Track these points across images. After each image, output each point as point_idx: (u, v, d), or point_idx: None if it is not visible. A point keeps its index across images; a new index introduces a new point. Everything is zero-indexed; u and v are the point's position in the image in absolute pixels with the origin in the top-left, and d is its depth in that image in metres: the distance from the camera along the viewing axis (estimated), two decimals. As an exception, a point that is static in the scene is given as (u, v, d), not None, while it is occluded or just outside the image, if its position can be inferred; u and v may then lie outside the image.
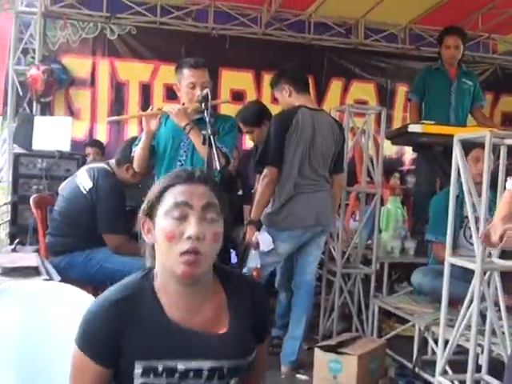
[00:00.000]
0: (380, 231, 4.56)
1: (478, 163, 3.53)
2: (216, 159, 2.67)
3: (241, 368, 1.44)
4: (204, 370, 1.38)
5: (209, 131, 2.74)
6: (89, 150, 5.39)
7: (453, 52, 5.07)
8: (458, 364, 2.95)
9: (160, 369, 1.35)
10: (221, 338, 1.41)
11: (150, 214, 1.43)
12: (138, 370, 1.34)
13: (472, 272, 2.68)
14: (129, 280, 1.45)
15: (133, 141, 3.52)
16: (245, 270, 3.69)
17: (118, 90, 6.24)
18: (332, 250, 4.47)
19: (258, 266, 3.59)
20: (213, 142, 2.71)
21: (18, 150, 5.28)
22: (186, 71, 3.27)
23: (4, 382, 1.95)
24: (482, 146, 3.39)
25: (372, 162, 4.43)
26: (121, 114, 6.12)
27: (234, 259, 5.39)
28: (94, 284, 3.32)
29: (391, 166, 6.46)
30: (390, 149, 6.49)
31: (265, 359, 1.60)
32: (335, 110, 4.58)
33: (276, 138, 3.60)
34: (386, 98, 6.85)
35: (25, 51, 5.94)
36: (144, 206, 1.45)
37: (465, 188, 2.68)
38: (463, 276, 3.05)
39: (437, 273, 3.65)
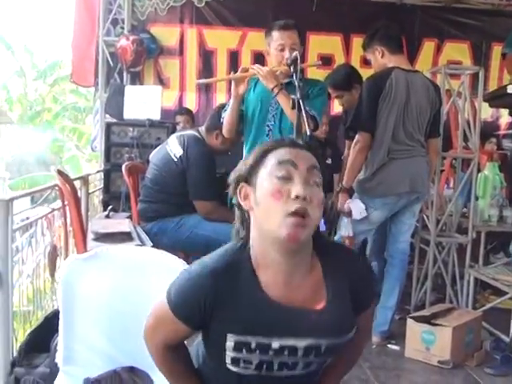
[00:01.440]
0: (476, 198, 4.36)
1: None
2: (305, 123, 2.59)
3: (339, 346, 1.38)
4: (300, 349, 1.33)
5: (298, 95, 2.65)
6: (179, 118, 5.43)
7: None
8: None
9: (253, 345, 1.30)
10: (319, 314, 1.35)
11: (249, 178, 1.37)
12: (229, 343, 1.31)
13: None
14: (226, 250, 1.40)
15: (222, 108, 3.50)
16: (336, 238, 3.64)
17: (207, 59, 6.24)
18: (425, 218, 4.32)
19: (351, 234, 3.52)
20: (302, 106, 2.63)
21: (110, 119, 5.41)
22: (275, 33, 3.18)
23: (99, 335, 2.07)
24: None
25: (469, 125, 4.22)
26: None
27: (322, 227, 5.35)
28: (185, 250, 3.36)
29: (487, 130, 6.13)
30: (485, 112, 6.14)
31: (369, 325, 1.56)
32: (429, 72, 4.37)
33: (368, 102, 3.47)
34: (480, 58, 6.49)
35: (114, 22, 6.02)
36: (241, 170, 1.39)
37: None
38: None
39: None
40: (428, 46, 6.45)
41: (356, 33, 5.94)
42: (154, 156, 3.76)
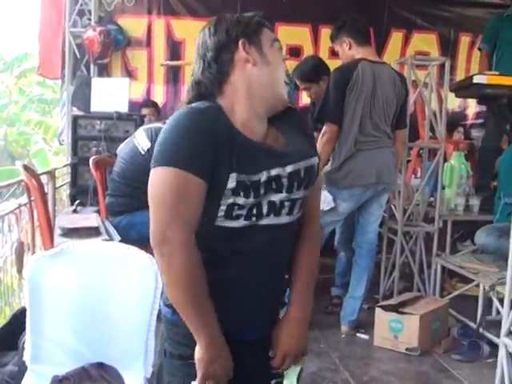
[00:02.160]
0: (443, 188, 4.42)
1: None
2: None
3: (313, 169, 1.47)
4: (284, 177, 1.39)
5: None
6: (144, 110, 5.39)
7: None
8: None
9: (248, 183, 1.34)
10: (288, 147, 1.46)
11: (251, 36, 1.45)
12: (231, 185, 1.32)
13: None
14: (194, 105, 1.42)
15: None
16: None
17: (175, 50, 6.18)
18: (393, 208, 4.38)
19: (318, 225, 3.54)
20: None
21: (77, 112, 5.33)
22: None
23: (66, 332, 2.07)
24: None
25: (435, 115, 4.27)
26: (178, 73, 6.12)
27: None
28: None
29: (454, 120, 6.22)
30: (452, 102, 6.23)
31: (320, 180, 1.60)
32: (396, 63, 4.42)
33: (335, 93, 3.50)
34: (448, 49, 6.55)
35: (80, 13, 5.91)
36: (241, 29, 1.45)
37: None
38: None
39: (502, 232, 3.53)
40: (396, 37, 6.48)
41: (324, 24, 5.93)
42: (122, 149, 3.73)
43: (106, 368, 2.05)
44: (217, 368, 1.36)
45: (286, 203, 1.42)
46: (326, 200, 3.51)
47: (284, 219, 1.43)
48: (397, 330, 3.44)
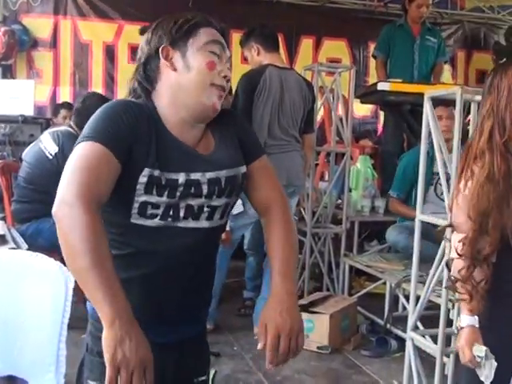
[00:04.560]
0: (350, 190, 4.57)
1: (440, 121, 3.53)
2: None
3: (236, 180, 1.46)
4: (203, 183, 1.39)
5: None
6: (64, 112, 5.22)
7: (424, 11, 5.05)
8: (427, 319, 2.99)
9: (163, 181, 1.35)
10: (213, 154, 1.45)
11: (175, 42, 1.42)
12: (143, 179, 1.33)
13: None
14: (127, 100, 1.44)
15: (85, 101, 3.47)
16: None
17: (81, 52, 6.07)
18: (302, 211, 4.47)
19: (228, 228, 3.57)
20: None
21: (-20, 115, 5.12)
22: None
23: None
24: (444, 104, 3.43)
25: (341, 121, 4.41)
26: (85, 76, 6.01)
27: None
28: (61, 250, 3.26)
29: (365, 126, 6.46)
30: (364, 108, 6.46)
31: (270, 173, 1.57)
32: (304, 69, 4.53)
33: (244, 98, 3.55)
34: (359, 56, 6.78)
35: (-17, 12, 5.72)
36: (169, 33, 1.42)
37: (435, 145, 2.67)
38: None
39: (411, 230, 3.68)
40: (306, 43, 6.65)
41: (235, 28, 5.98)
42: (27, 154, 3.62)
43: (16, 381, 1.98)
44: (126, 351, 1.13)
45: (206, 209, 1.42)
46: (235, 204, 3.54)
47: (204, 224, 1.43)
48: (308, 330, 3.51)
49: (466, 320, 1.72)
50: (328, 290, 4.39)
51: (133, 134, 1.34)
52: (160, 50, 1.41)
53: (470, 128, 2.43)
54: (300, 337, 1.34)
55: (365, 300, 4.15)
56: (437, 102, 2.88)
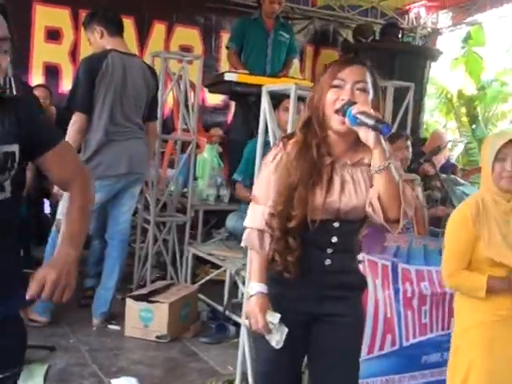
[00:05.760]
0: (196, 179, 4.59)
1: (287, 113, 3.66)
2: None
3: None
4: None
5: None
6: (37, 91, 4.76)
7: (276, 8, 5.17)
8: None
9: None
10: None
11: None
12: None
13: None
14: None
15: None
16: (58, 217, 3.55)
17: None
18: (147, 198, 4.42)
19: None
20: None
21: None
22: None
23: None
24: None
25: (188, 109, 4.40)
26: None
27: (47, 209, 5.21)
28: None
29: (217, 115, 6.49)
30: (216, 98, 6.47)
31: (70, 159, 1.61)
32: (152, 56, 4.46)
33: (84, 83, 3.45)
34: (211, 44, 6.76)
35: None
36: None
37: (271, 136, 2.78)
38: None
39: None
40: (158, 29, 6.49)
41: (85, 8, 5.74)
42: None
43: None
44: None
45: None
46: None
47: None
48: (147, 320, 3.50)
49: (256, 287, 1.80)
50: (172, 278, 4.39)
51: None
52: None
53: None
54: (67, 290, 1.40)
55: (208, 288, 4.20)
56: (285, 95, 3.00)
